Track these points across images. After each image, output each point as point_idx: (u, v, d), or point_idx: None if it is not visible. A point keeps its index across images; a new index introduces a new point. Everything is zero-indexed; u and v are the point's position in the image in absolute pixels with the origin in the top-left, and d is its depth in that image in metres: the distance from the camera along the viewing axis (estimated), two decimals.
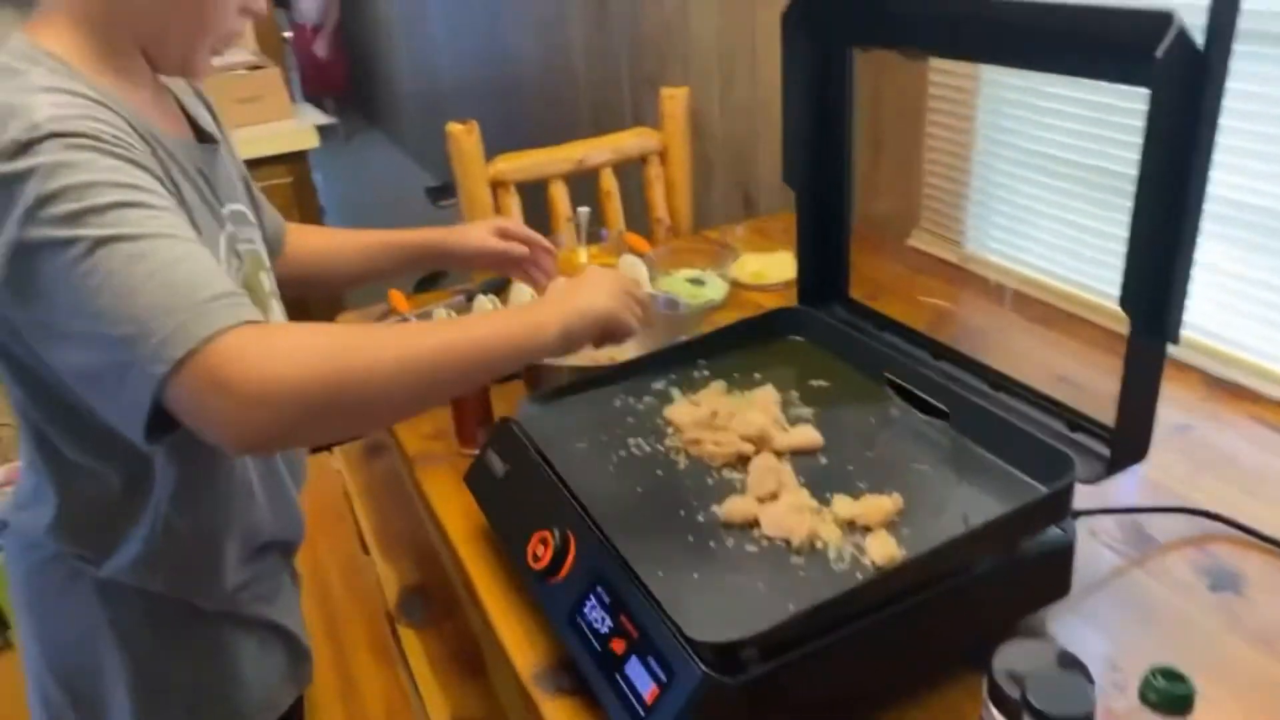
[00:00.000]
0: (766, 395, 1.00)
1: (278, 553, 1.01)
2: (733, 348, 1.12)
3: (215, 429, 0.64)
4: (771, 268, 1.59)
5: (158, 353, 0.61)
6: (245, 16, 0.83)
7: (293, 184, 2.18)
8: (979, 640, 0.81)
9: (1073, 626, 0.86)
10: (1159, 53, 0.65)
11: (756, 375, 1.06)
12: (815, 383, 1.05)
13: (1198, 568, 0.93)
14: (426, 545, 1.45)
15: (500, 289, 1.57)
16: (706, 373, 1.08)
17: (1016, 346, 1.37)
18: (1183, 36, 0.65)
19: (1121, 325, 1.31)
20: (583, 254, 1.64)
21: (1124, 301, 0.75)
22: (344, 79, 6.10)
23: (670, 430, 0.97)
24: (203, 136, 0.92)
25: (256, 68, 2.26)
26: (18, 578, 0.91)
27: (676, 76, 2.37)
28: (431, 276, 1.68)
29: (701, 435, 0.93)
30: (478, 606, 0.95)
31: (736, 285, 1.56)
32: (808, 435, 0.93)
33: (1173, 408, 1.15)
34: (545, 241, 1.19)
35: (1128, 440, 0.81)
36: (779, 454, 0.92)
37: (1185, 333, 1.00)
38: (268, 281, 0.97)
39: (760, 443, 0.92)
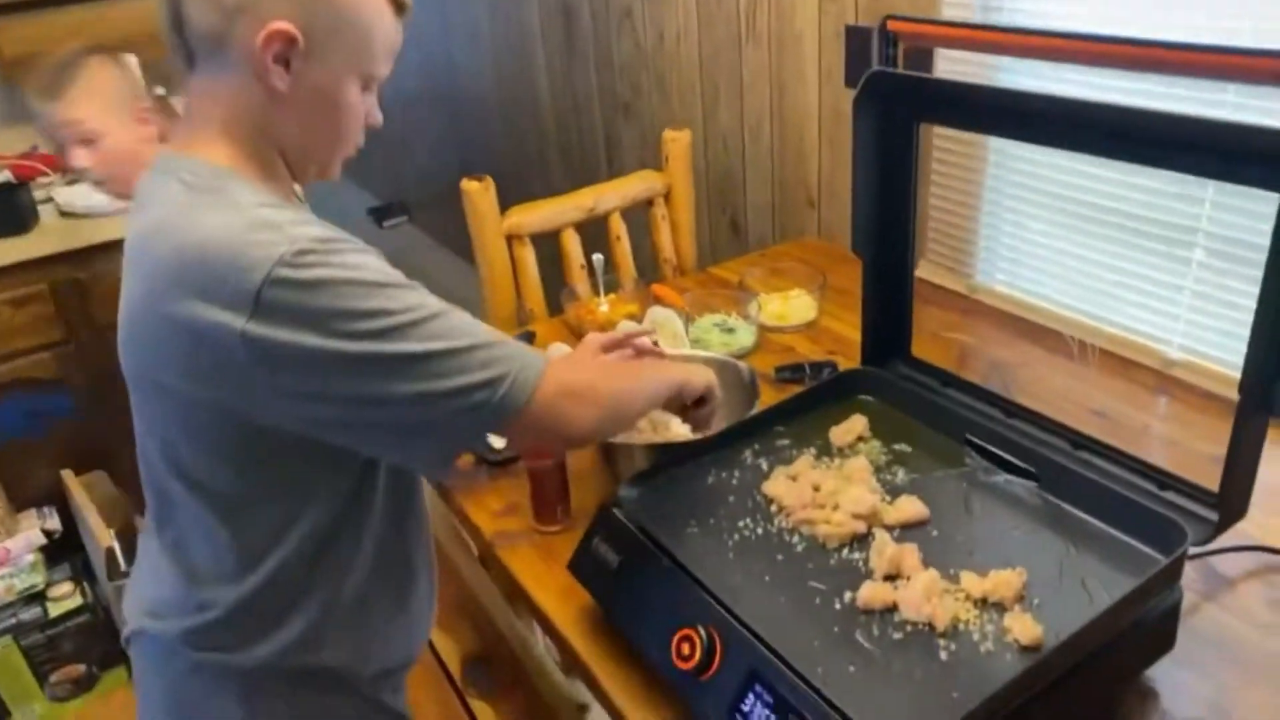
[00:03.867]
0: (861, 465, 1.03)
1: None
2: (808, 412, 1.15)
3: (573, 426, 0.84)
4: (791, 309, 1.63)
5: (518, 384, 0.78)
6: (367, 128, 0.88)
7: None
8: (1104, 699, 0.87)
9: (1172, 672, 0.92)
10: None
11: (846, 451, 1.09)
12: (898, 447, 1.08)
13: (1271, 602, 1.00)
14: (481, 613, 1.44)
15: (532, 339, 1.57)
16: (787, 441, 1.11)
17: (1044, 380, 1.43)
18: None
19: (1135, 353, 1.38)
20: (603, 303, 1.65)
21: (1242, 384, 0.80)
22: None
23: (774, 509, 1.00)
24: None
25: None
26: (157, 691, 0.90)
27: (654, 105, 2.39)
28: None
29: (813, 515, 0.96)
30: (604, 700, 0.95)
31: (761, 328, 1.59)
32: (915, 508, 0.96)
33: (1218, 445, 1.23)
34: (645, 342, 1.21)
35: (1232, 502, 0.87)
36: (889, 528, 0.95)
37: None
38: None
39: (871, 519, 0.95)
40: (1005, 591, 0.85)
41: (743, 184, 2.18)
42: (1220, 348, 1.33)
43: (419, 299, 0.77)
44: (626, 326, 1.49)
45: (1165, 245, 1.35)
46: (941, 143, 1.65)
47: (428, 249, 4.13)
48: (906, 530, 0.95)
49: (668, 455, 1.07)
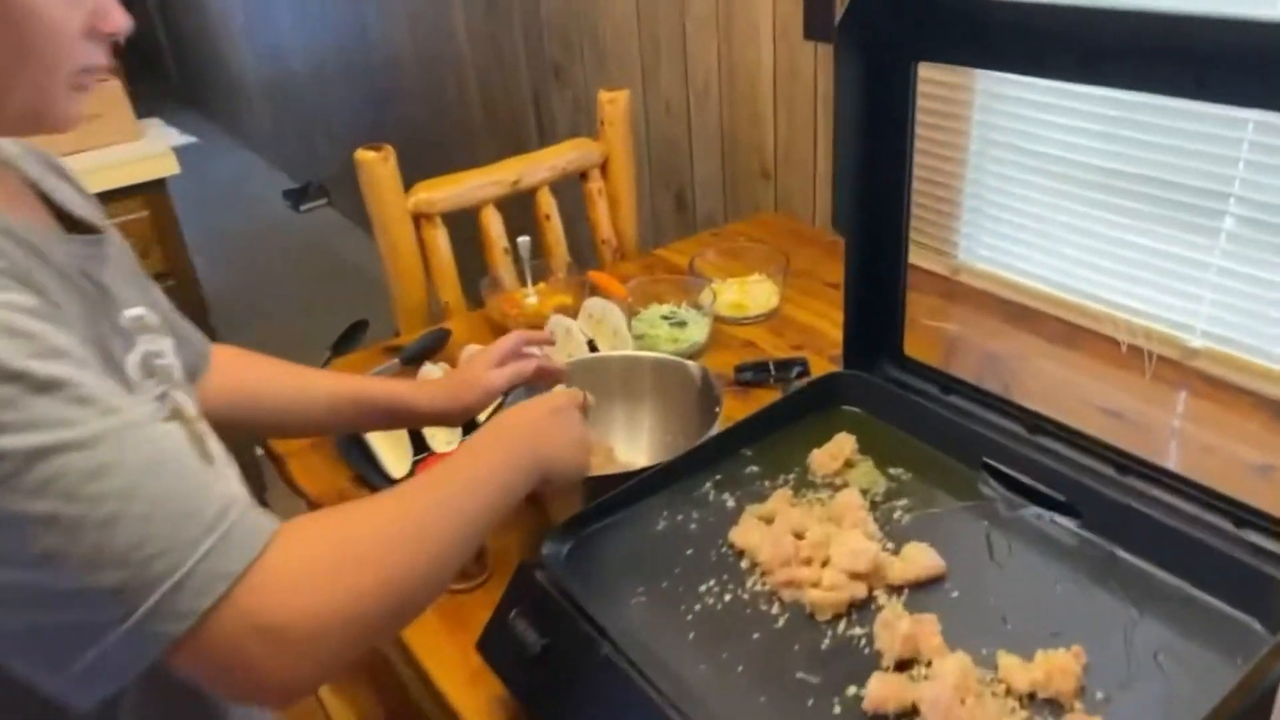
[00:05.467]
0: (852, 502, 0.80)
1: None
2: (780, 429, 0.92)
3: (255, 680, 0.50)
4: (750, 296, 1.40)
5: (171, 605, 0.47)
6: (98, 41, 0.59)
7: (150, 220, 1.82)
8: None
9: None
10: None
11: (832, 479, 0.86)
12: (895, 473, 0.86)
13: None
14: (384, 670, 1.20)
15: (432, 351, 1.31)
16: (757, 468, 0.88)
17: (1045, 375, 1.23)
18: None
19: (1149, 341, 1.19)
20: (530, 294, 1.40)
21: None
22: None
23: (746, 565, 0.77)
24: (75, 225, 0.67)
25: None
26: None
27: (587, 66, 2.13)
28: (350, 332, 1.41)
29: (797, 575, 0.73)
30: None
31: (715, 320, 1.36)
32: (927, 560, 0.74)
33: (1263, 451, 1.04)
34: (543, 349, 0.97)
35: None
36: (896, 588, 0.73)
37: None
38: (189, 402, 0.70)
39: (873, 578, 0.73)
40: (1061, 683, 0.63)
41: (689, 154, 1.94)
42: (1253, 334, 1.14)
43: (59, 411, 0.46)
44: (556, 322, 1.25)
45: (1188, 214, 1.15)
46: (926, 103, 1.43)
47: (348, 233, 3.82)
48: (918, 591, 0.73)
49: (608, 496, 0.84)
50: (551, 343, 0.98)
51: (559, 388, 0.90)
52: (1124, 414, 1.11)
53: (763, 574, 0.75)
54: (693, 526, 0.82)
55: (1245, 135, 1.06)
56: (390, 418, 0.90)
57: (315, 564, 0.52)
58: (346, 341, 1.40)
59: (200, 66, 5.35)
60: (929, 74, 1.39)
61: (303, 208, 4.08)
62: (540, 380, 0.95)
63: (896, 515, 0.81)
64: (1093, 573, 0.74)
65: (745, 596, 0.74)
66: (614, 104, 1.55)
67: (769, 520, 0.80)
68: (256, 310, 3.30)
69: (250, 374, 0.86)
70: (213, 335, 2.12)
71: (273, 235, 3.92)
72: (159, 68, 6.04)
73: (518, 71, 2.40)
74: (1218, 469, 1.02)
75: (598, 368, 1.02)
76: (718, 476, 0.87)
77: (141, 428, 0.50)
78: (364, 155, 1.36)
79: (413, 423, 0.94)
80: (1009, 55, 0.74)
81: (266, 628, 0.49)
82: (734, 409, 1.16)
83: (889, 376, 0.96)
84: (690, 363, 1.02)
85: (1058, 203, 1.30)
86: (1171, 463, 0.99)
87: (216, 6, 4.64)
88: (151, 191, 1.82)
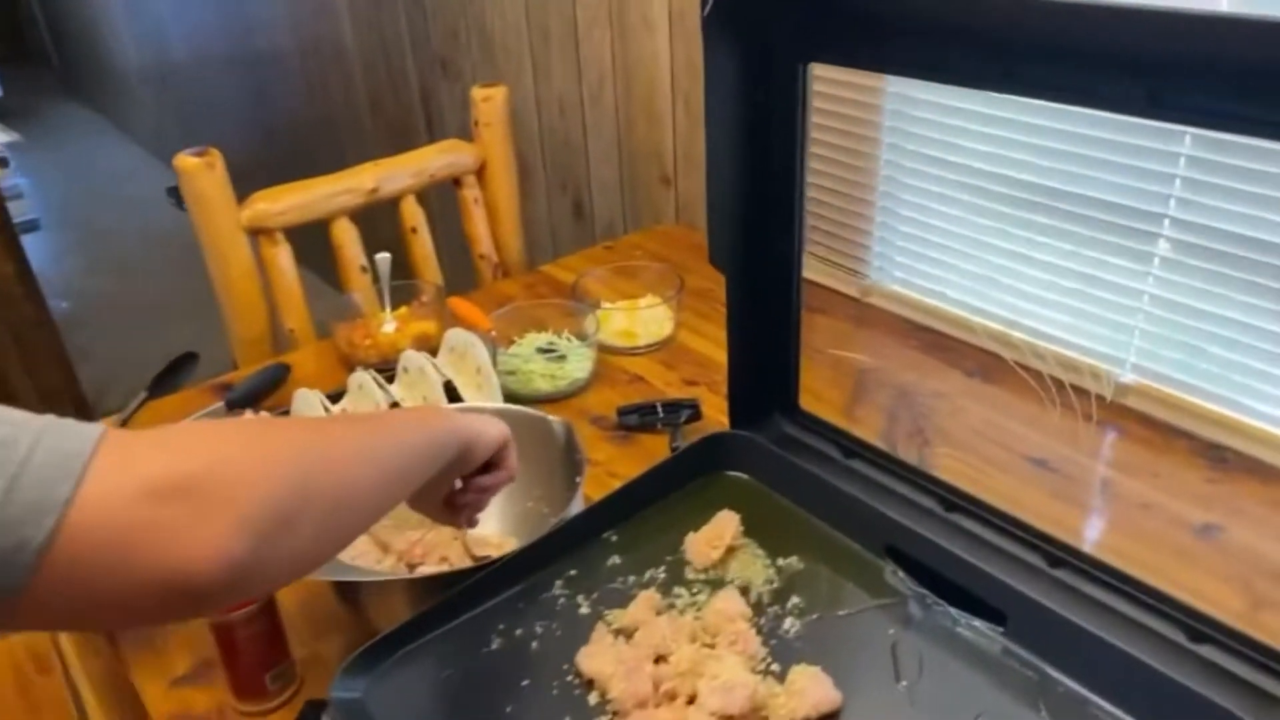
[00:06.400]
0: (731, 608, 0.65)
1: None
2: (654, 504, 0.76)
3: (176, 547, 0.39)
4: (640, 323, 1.24)
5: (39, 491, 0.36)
6: None
7: None
8: None
9: None
10: None
11: (710, 572, 0.71)
12: (782, 562, 0.71)
13: None
14: None
15: (267, 392, 1.12)
16: (619, 560, 0.72)
17: (963, 415, 1.10)
18: None
19: (1072, 374, 1.07)
20: (388, 320, 1.22)
21: None
22: None
23: (595, 699, 0.61)
24: None
25: None
26: None
27: (475, 59, 1.95)
28: (176, 365, 1.20)
29: (654, 717, 0.57)
30: None
31: (602, 350, 1.20)
32: (819, 692, 0.59)
33: (1201, 508, 0.92)
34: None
35: None
36: None
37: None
38: None
39: (752, 719, 0.58)
40: None
41: (585, 157, 1.77)
42: (1187, 370, 1.02)
43: None
44: (409, 359, 1.07)
45: (1118, 236, 1.03)
46: (819, 98, 1.28)
47: None
48: None
49: (434, 602, 0.67)
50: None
51: None
52: (1049, 462, 0.99)
53: (614, 715, 0.59)
54: (535, 645, 0.65)
55: (1182, 150, 0.94)
56: None
57: (205, 432, 0.44)
58: (170, 376, 1.19)
59: (82, 53, 4.96)
60: (830, 73, 1.25)
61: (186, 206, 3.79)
62: None
63: (786, 625, 0.66)
64: (1020, 697, 0.60)
65: None
66: (490, 102, 1.37)
67: (629, 634, 0.64)
68: (121, 321, 3.03)
69: None
70: (63, 349, 1.86)
71: (153, 236, 3.63)
72: (39, 54, 5.61)
73: (404, 64, 2.20)
74: (1156, 531, 0.90)
75: None
76: (572, 571, 0.71)
77: None
78: (184, 162, 1.16)
79: None
80: (915, 58, 0.59)
81: (167, 488, 0.39)
82: (615, 459, 1.01)
83: (782, 435, 0.81)
84: (551, 417, 0.85)
85: (977, 220, 1.17)
86: (1104, 522, 0.87)
87: None
88: None
